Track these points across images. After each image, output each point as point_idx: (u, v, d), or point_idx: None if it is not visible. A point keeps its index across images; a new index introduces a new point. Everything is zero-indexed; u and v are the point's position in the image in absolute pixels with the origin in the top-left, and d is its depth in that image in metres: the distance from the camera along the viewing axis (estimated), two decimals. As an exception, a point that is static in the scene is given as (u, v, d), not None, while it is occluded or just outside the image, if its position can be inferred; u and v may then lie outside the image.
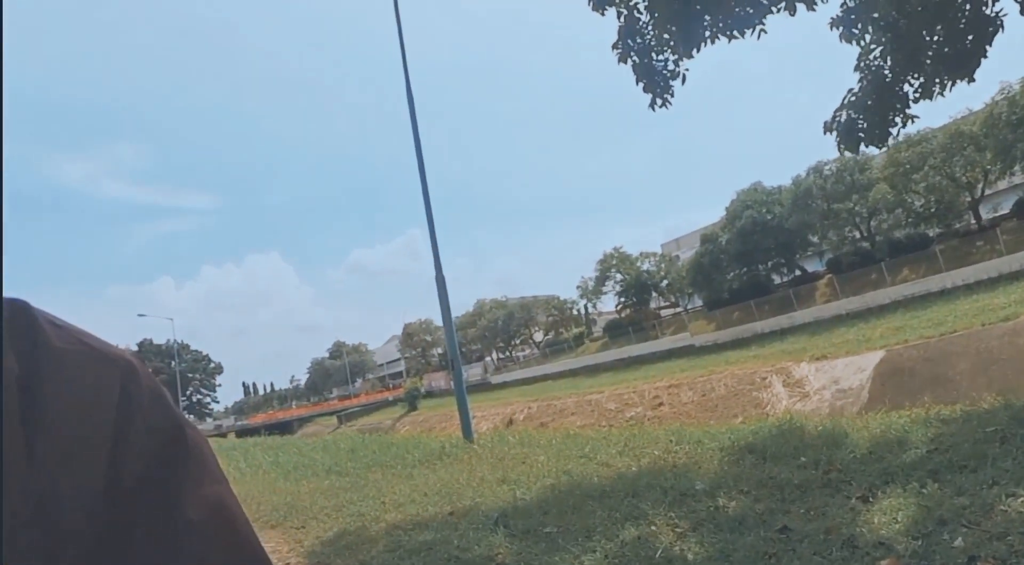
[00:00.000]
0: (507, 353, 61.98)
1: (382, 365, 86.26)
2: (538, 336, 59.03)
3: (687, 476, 5.64)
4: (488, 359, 62.44)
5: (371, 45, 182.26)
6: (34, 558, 0.23)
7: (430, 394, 51.93)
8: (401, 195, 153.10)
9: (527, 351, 60.96)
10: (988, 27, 6.61)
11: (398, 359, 78.38)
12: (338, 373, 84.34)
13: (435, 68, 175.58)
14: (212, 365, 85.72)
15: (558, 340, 53.78)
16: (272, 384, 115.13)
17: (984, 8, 6.61)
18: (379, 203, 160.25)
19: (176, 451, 0.30)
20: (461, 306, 64.70)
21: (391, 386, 70.59)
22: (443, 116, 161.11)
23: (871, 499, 4.17)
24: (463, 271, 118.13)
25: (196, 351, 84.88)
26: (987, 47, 6.67)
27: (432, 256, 14.14)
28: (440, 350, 67.26)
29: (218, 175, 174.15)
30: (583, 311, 55.61)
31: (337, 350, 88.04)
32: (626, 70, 7.62)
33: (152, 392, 0.30)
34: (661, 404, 25.66)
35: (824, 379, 21.46)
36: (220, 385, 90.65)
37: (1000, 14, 6.66)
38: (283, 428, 57.51)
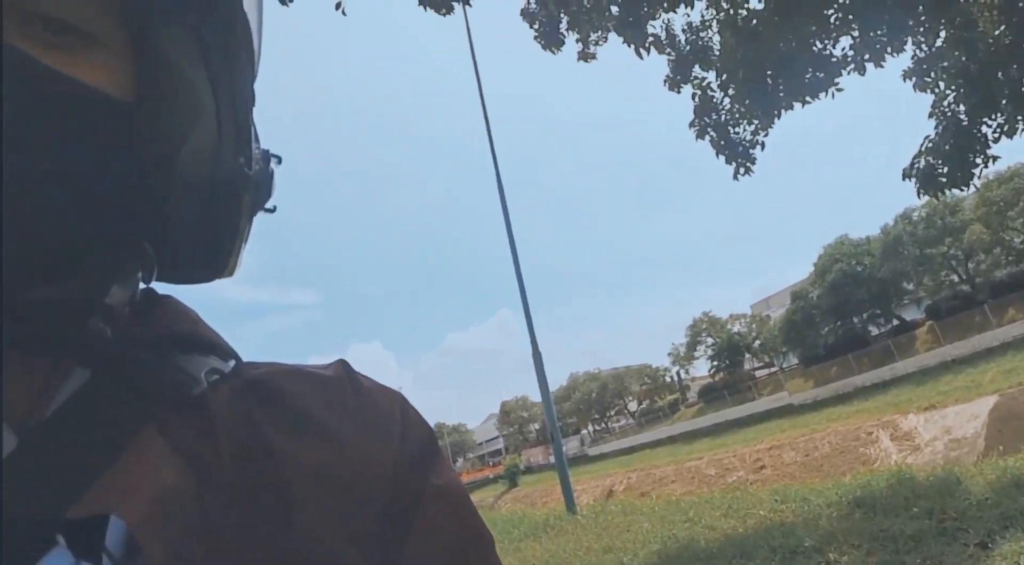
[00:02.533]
0: (603, 424, 61.57)
1: (481, 444, 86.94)
2: (632, 405, 58.50)
3: (795, 533, 5.43)
4: (584, 432, 62.15)
5: (456, 129, 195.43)
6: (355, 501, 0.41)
7: (529, 470, 51.99)
8: (490, 278, 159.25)
9: (622, 421, 60.29)
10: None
11: (496, 437, 78.84)
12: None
13: (511, 143, 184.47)
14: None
15: (653, 408, 53.15)
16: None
17: None
18: (469, 288, 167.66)
19: (431, 448, 0.55)
20: (554, 381, 64.35)
21: (491, 464, 70.60)
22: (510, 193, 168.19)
23: (990, 545, 4.10)
24: (551, 347, 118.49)
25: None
26: None
27: (527, 332, 14.96)
28: (537, 426, 67.60)
29: (319, 271, 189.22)
30: (676, 377, 54.91)
31: (438, 431, 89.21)
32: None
33: (415, 411, 0.49)
34: (763, 467, 25.22)
35: (935, 430, 20.68)
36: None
37: None
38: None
